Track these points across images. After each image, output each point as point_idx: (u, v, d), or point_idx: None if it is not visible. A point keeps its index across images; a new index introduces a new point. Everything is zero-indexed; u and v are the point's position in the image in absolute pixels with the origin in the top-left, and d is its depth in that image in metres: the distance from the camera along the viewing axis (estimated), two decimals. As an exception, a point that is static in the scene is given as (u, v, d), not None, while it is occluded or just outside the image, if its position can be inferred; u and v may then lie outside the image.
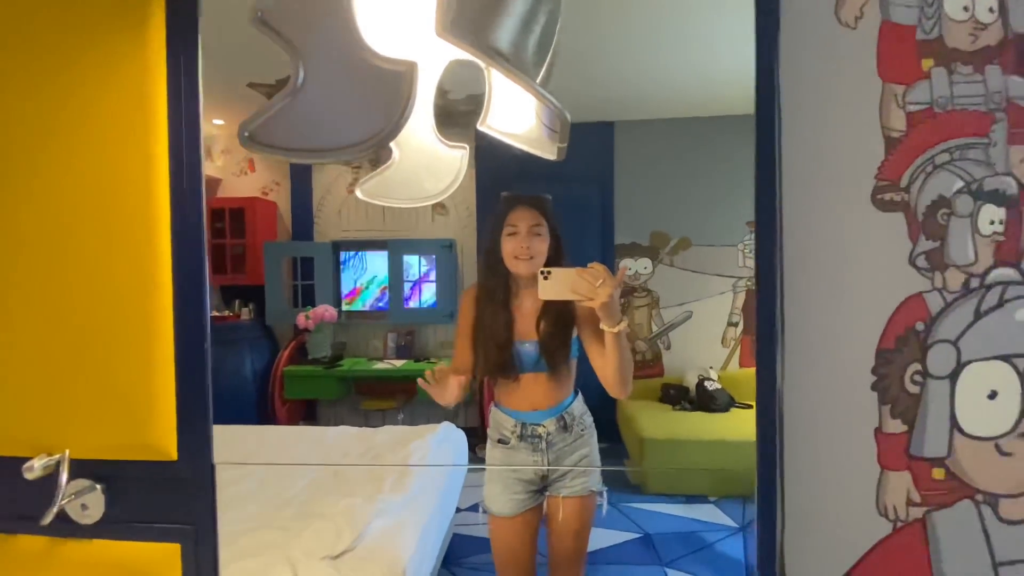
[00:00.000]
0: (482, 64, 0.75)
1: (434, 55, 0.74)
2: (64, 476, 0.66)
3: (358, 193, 0.78)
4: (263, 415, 2.58)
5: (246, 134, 0.50)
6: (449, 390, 1.19)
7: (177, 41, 0.68)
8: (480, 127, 0.77)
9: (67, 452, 0.68)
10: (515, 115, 0.78)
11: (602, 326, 1.07)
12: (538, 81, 0.64)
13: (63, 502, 0.68)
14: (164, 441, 0.71)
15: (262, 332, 2.66)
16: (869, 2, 0.72)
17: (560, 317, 1.19)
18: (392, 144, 0.79)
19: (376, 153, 0.51)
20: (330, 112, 0.50)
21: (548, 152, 0.75)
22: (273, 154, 0.51)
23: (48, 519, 0.65)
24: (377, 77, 0.49)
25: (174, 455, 0.71)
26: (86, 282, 0.71)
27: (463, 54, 0.73)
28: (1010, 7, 0.73)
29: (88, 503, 0.70)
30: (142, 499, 0.72)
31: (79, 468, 0.71)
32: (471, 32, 0.49)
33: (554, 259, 1.21)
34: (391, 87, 0.50)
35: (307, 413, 2.64)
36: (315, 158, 0.51)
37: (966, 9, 0.73)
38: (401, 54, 0.52)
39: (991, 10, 0.73)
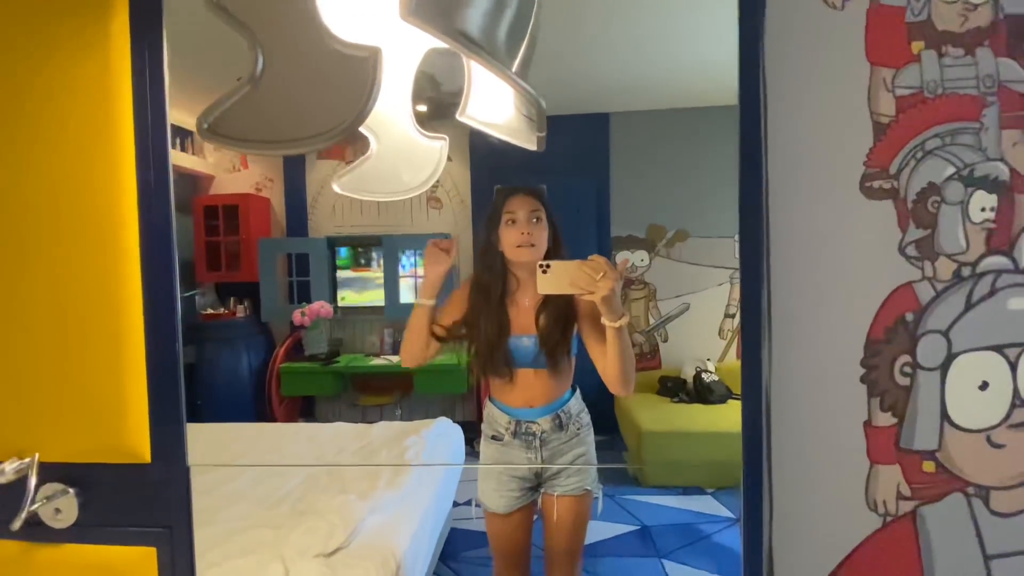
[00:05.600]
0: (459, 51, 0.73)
1: (410, 43, 0.72)
2: (33, 480, 0.65)
3: (335, 187, 0.76)
4: (260, 412, 2.57)
5: (205, 126, 0.48)
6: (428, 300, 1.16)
7: (141, 29, 0.66)
8: (460, 117, 0.75)
9: (36, 456, 0.67)
10: (495, 105, 0.76)
11: (603, 321, 1.05)
12: (513, 70, 0.62)
13: (35, 507, 0.66)
14: (137, 444, 0.69)
15: (258, 329, 2.65)
16: (856, -17, 0.70)
17: (560, 311, 1.17)
18: (370, 136, 0.77)
19: (347, 140, 0.49)
20: (292, 101, 0.48)
21: (528, 142, 0.74)
22: (234, 147, 0.49)
23: (18, 524, 0.64)
24: (340, 64, 0.48)
25: (148, 458, 0.69)
26: (52, 282, 0.70)
27: (440, 42, 0.71)
28: (1002, -13, 0.71)
29: (61, 507, 0.69)
30: (116, 502, 0.71)
31: (51, 472, 0.70)
32: (437, 16, 0.47)
33: (553, 249, 1.18)
34: (355, 74, 0.48)
35: (304, 409, 2.64)
36: (276, 150, 0.49)
37: (956, -11, 0.71)
38: (368, 40, 0.50)
39: (982, -10, 0.71)
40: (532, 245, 1.15)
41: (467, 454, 2.14)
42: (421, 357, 1.24)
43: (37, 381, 0.71)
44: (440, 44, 0.71)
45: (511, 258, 1.17)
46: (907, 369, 0.72)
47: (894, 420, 0.72)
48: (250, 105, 0.48)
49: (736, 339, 2.39)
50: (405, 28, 0.56)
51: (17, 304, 0.71)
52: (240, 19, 0.47)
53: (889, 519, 0.72)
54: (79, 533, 0.70)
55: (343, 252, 2.59)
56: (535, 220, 1.16)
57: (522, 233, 1.15)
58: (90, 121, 0.67)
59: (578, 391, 1.28)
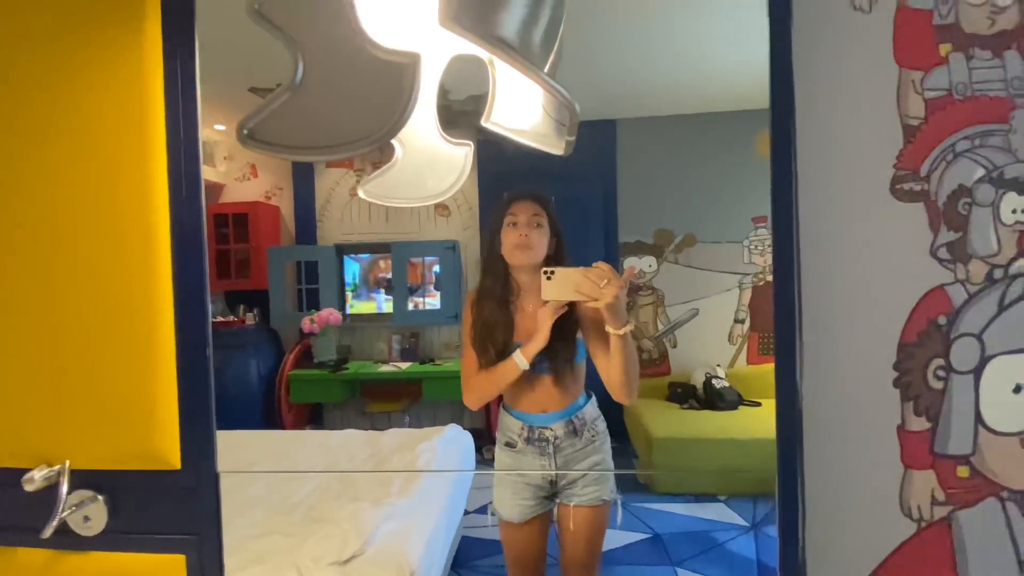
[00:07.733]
0: (485, 58, 0.73)
1: (436, 50, 0.72)
2: (64, 487, 0.64)
3: (360, 193, 0.76)
4: (269, 419, 2.57)
5: (245, 132, 0.48)
6: None
7: (173, 41, 0.66)
8: (484, 123, 0.75)
9: (67, 463, 0.66)
10: (521, 110, 0.76)
11: (607, 328, 1.04)
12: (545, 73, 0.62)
13: (64, 514, 0.66)
14: (167, 450, 0.69)
15: (267, 336, 2.65)
16: (884, -14, 0.70)
17: (564, 317, 1.16)
18: (395, 142, 0.77)
19: (379, 151, 0.49)
20: (331, 107, 0.48)
21: (556, 147, 0.73)
22: (274, 153, 0.49)
23: (48, 532, 0.63)
24: (379, 70, 0.48)
25: (177, 464, 0.69)
26: (84, 288, 0.70)
27: (465, 49, 0.71)
28: (1029, -11, 0.71)
29: (90, 514, 0.68)
30: (145, 509, 0.70)
31: (80, 479, 0.69)
32: (476, 21, 0.48)
33: (555, 259, 1.18)
34: (393, 80, 0.48)
35: (313, 416, 2.63)
36: (317, 155, 0.49)
37: (983, -8, 0.71)
38: (403, 46, 0.50)
39: (1009, -7, 0.71)
40: (529, 248, 1.14)
41: (476, 462, 2.13)
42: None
43: (67, 388, 0.70)
44: (465, 51, 0.72)
45: (509, 261, 1.17)
46: (940, 373, 0.71)
47: (928, 424, 0.71)
48: (290, 111, 0.48)
49: (745, 345, 2.38)
50: (436, 34, 0.56)
51: (48, 310, 0.70)
52: (281, 26, 0.48)
53: (923, 525, 0.71)
54: (107, 540, 0.70)
55: (357, 274, 2.59)
56: (536, 225, 1.16)
57: (521, 235, 1.14)
58: (123, 126, 0.67)
59: (593, 397, 1.27)
